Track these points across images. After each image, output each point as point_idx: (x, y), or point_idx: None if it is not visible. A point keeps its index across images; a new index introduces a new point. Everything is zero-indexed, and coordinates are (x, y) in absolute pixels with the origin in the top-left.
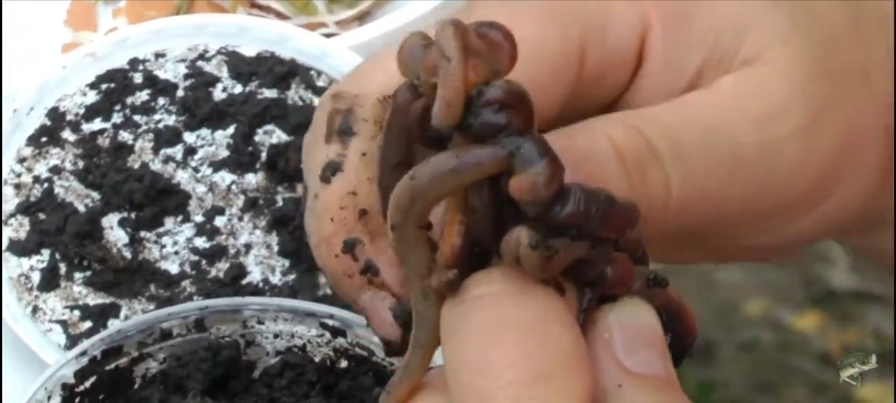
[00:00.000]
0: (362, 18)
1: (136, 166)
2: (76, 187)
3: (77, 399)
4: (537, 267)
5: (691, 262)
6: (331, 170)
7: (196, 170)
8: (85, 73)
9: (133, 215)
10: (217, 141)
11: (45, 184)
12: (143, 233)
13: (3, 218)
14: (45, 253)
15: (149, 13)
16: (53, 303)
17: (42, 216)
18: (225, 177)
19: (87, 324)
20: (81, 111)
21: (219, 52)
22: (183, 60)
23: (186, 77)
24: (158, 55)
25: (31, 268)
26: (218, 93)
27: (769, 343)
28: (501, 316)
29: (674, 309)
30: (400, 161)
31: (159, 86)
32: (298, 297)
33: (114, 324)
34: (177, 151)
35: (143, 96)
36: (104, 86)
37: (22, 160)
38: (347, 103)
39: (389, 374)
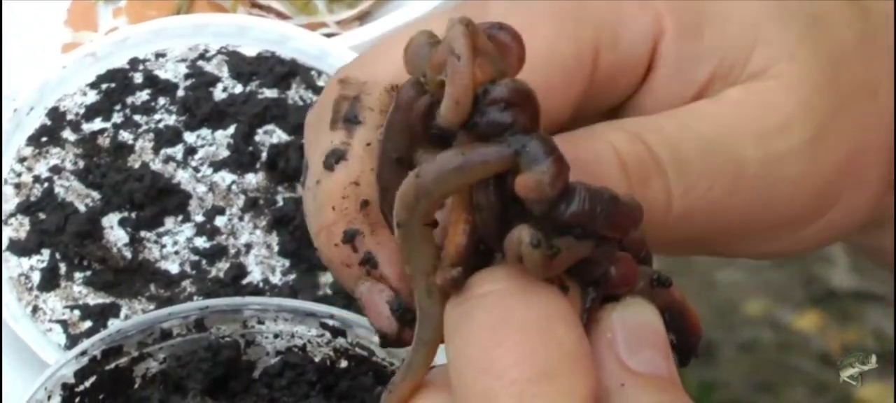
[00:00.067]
0: (363, 18)
1: (137, 166)
2: (76, 187)
3: (77, 399)
4: (539, 265)
5: (694, 255)
6: (335, 158)
7: (196, 169)
8: (85, 73)
9: (133, 215)
10: (217, 141)
11: (46, 184)
12: (143, 233)
13: (4, 217)
14: (46, 252)
15: (149, 13)
16: (53, 303)
17: (42, 216)
18: (225, 177)
19: (88, 324)
20: (82, 111)
21: (219, 52)
22: (183, 60)
23: (187, 77)
24: (159, 55)
25: (32, 268)
26: (218, 93)
27: (769, 343)
28: (505, 314)
29: (677, 309)
30: (399, 156)
31: (160, 86)
32: (299, 297)
33: (114, 324)
34: (177, 151)
35: (143, 96)
36: (104, 86)
37: (22, 160)
38: (355, 90)
39: (390, 374)
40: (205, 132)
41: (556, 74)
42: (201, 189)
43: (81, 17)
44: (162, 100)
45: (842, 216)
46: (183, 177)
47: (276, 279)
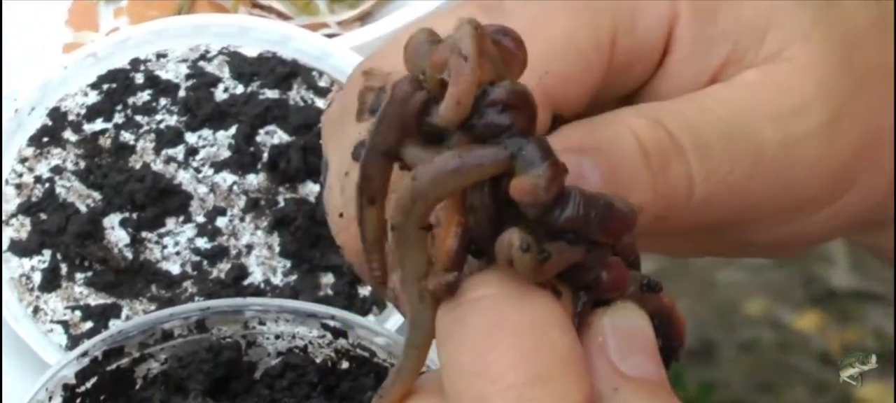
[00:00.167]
0: (364, 19)
1: (138, 166)
2: (77, 187)
3: (78, 400)
4: (529, 269)
5: (703, 255)
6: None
7: (197, 170)
8: (86, 73)
9: (134, 215)
10: (218, 141)
11: (47, 185)
12: (144, 234)
13: (5, 218)
14: (47, 253)
15: (150, 13)
16: (54, 304)
17: (43, 216)
18: (226, 178)
19: (89, 325)
20: (83, 111)
21: (220, 53)
22: (184, 61)
23: (188, 77)
24: (160, 55)
25: (33, 269)
26: (219, 94)
27: (769, 343)
28: (499, 318)
29: (666, 314)
30: (388, 150)
31: (161, 87)
32: (300, 298)
33: (115, 325)
34: (178, 152)
35: (144, 96)
36: (105, 87)
37: (23, 160)
38: (380, 81)
39: None
40: (206, 133)
41: (574, 63)
42: (202, 189)
43: (82, 18)
44: (163, 101)
45: (858, 199)
46: (184, 177)
47: (277, 280)
